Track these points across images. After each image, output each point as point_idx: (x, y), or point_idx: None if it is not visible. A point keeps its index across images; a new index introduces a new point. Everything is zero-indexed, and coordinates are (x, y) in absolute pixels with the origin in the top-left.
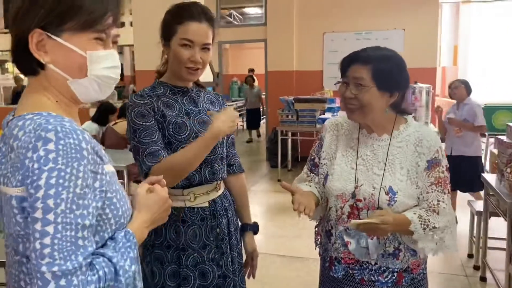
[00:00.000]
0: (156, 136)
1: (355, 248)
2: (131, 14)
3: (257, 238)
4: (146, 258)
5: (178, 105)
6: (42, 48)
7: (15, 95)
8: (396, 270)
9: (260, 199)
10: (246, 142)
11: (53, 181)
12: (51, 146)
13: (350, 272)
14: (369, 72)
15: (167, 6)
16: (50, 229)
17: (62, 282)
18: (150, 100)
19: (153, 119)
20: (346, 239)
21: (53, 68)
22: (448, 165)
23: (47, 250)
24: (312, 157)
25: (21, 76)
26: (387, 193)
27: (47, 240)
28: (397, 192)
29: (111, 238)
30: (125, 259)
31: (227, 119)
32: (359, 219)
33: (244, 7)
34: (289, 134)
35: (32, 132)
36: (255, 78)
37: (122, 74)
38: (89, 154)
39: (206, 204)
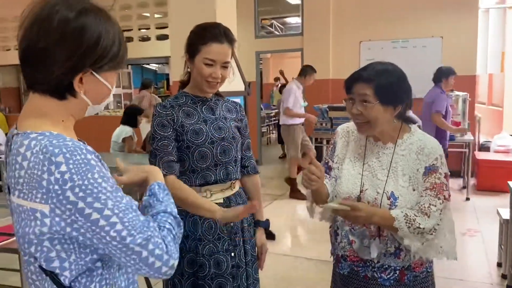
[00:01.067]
0: (171, 147)
1: (359, 246)
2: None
3: (288, 241)
4: None
5: (197, 113)
6: (81, 80)
7: None
8: (398, 268)
9: (291, 204)
10: (279, 157)
11: (81, 194)
12: (63, 168)
13: (355, 269)
14: (372, 89)
15: (202, 21)
16: (114, 219)
17: (150, 246)
18: (171, 111)
19: (171, 130)
20: (351, 238)
21: (83, 97)
22: (448, 173)
23: (124, 233)
24: (326, 161)
25: None
26: (388, 198)
27: (119, 226)
28: (398, 197)
29: (150, 194)
30: (171, 203)
31: (231, 217)
32: (353, 227)
33: (285, 17)
34: (324, 141)
35: (41, 155)
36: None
37: (168, 84)
38: (96, 162)
39: (221, 201)
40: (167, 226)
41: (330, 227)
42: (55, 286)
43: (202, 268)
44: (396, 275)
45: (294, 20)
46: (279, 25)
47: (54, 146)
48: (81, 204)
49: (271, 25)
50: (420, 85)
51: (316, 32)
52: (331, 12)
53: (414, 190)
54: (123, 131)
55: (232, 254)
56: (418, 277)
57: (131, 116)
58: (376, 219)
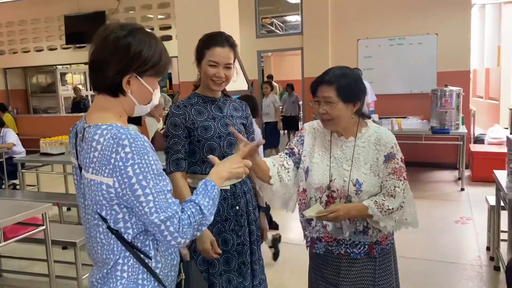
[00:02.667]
0: (181, 146)
1: (332, 228)
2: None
3: (291, 229)
4: None
5: (207, 111)
6: (128, 82)
7: (74, 104)
8: (367, 243)
9: None
10: None
11: (137, 171)
12: (127, 149)
13: (330, 248)
14: (334, 91)
15: (207, 22)
16: (150, 197)
17: (168, 223)
18: (183, 111)
19: (182, 129)
20: (324, 222)
21: (130, 96)
22: (403, 157)
23: (153, 209)
24: (291, 147)
25: (80, 87)
26: (354, 185)
27: (151, 204)
28: (362, 183)
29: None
30: (205, 198)
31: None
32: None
33: (286, 16)
34: None
35: (112, 139)
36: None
37: (170, 83)
38: (151, 149)
39: (228, 187)
40: (189, 212)
41: (300, 215)
42: (119, 242)
43: (212, 265)
44: (366, 249)
45: (294, 19)
46: (279, 23)
47: (121, 133)
48: (133, 180)
49: (271, 24)
50: (416, 80)
51: (316, 31)
52: (329, 10)
53: (375, 176)
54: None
55: (239, 233)
56: (384, 249)
57: (135, 116)
58: (353, 213)
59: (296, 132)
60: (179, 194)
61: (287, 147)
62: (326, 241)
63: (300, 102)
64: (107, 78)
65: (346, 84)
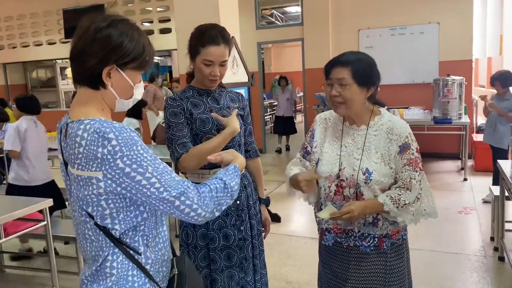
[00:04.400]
0: (186, 131)
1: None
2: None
3: (293, 222)
4: (183, 223)
5: (204, 103)
6: (109, 75)
7: None
8: (376, 236)
9: None
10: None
11: (127, 162)
12: (114, 142)
13: (338, 240)
14: (350, 72)
15: (206, 15)
16: (153, 180)
17: (182, 198)
18: (180, 103)
19: (183, 117)
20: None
21: (111, 89)
22: (418, 147)
23: (161, 188)
24: (305, 146)
25: None
26: (364, 174)
27: (157, 185)
28: (372, 172)
29: (224, 169)
30: (231, 179)
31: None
32: (335, 202)
33: (286, 6)
34: None
35: (95, 134)
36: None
37: (171, 77)
38: (138, 138)
39: None
40: (211, 186)
41: (313, 207)
42: (107, 238)
43: (213, 240)
44: (375, 242)
45: (294, 9)
46: (279, 14)
47: (105, 127)
48: (127, 170)
49: (271, 15)
50: (418, 70)
51: (316, 21)
52: (330, 1)
53: (386, 165)
54: (130, 123)
55: (241, 228)
56: (395, 243)
57: (136, 109)
58: (368, 210)
59: (295, 134)
60: (204, 149)
61: (302, 147)
62: (335, 233)
63: (300, 94)
64: (86, 69)
65: (362, 67)
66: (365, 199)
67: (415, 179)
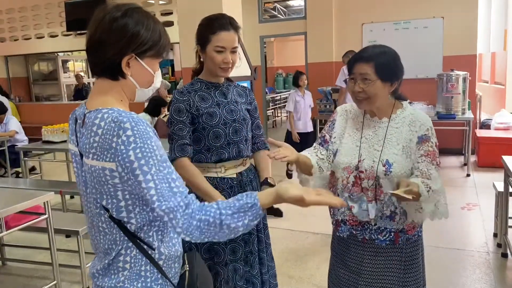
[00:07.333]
0: (186, 131)
1: (358, 211)
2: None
3: (296, 217)
4: None
5: (211, 97)
6: (128, 64)
7: (77, 92)
8: (393, 230)
9: None
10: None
11: (139, 155)
12: (129, 132)
13: (354, 232)
14: (373, 68)
15: (209, 8)
16: (151, 184)
17: (171, 215)
18: (187, 97)
19: (186, 114)
20: (350, 204)
21: (130, 78)
22: (437, 143)
23: (155, 198)
24: (323, 135)
25: (81, 74)
26: (384, 165)
27: (153, 192)
28: (392, 164)
29: (238, 199)
30: (237, 220)
31: None
32: (352, 193)
33: (288, 0)
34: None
35: (112, 123)
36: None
37: (173, 70)
38: (154, 135)
39: (234, 175)
40: (204, 218)
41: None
42: (121, 232)
43: (218, 254)
44: (391, 236)
45: (297, 3)
46: (282, 8)
47: (123, 116)
48: (135, 164)
49: (274, 9)
50: (422, 65)
51: (319, 15)
52: None
53: (407, 157)
54: (144, 118)
55: (248, 241)
56: (410, 239)
57: (155, 106)
58: (416, 189)
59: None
60: (192, 179)
61: (319, 136)
62: (350, 225)
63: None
64: (105, 59)
65: (385, 62)
66: (384, 192)
67: (432, 170)
